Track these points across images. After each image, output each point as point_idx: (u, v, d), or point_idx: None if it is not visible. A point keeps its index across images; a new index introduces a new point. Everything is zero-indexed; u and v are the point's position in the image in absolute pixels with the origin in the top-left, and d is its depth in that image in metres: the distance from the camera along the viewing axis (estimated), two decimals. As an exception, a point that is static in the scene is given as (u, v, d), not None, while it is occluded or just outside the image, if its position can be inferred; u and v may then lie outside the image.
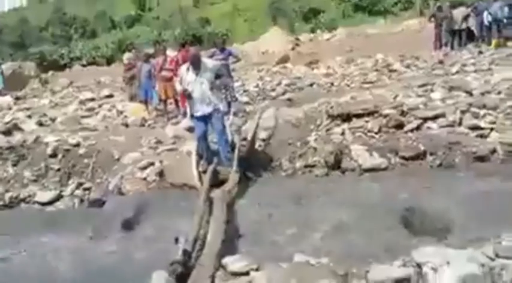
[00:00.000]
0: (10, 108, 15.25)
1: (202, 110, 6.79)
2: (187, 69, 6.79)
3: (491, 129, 7.09)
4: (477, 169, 6.36)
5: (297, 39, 24.71)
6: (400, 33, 21.23)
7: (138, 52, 14.02)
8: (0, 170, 8.33)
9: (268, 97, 12.13)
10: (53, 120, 12.01)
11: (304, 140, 7.69)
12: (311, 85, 13.11)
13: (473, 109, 7.52)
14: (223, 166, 6.78)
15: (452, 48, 15.27)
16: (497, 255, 3.43)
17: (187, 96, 6.87)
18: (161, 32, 34.71)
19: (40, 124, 11.49)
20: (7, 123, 10.92)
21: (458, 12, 15.51)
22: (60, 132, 9.63)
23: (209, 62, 7.08)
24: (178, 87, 7.07)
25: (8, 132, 9.87)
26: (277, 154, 7.53)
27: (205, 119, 6.82)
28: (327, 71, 14.94)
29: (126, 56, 14.26)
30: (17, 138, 9.19)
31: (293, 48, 22.39)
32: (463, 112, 7.47)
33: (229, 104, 8.86)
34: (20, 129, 10.46)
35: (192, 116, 7.02)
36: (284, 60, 19.61)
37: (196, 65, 6.71)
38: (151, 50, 14.67)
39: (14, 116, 12.57)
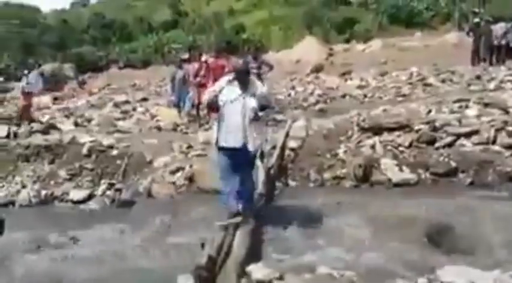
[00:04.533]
0: (49, 108, 15.81)
1: (229, 141, 5.05)
2: (229, 81, 5.15)
3: (527, 148, 6.94)
4: (510, 189, 6.23)
5: (331, 49, 24.62)
6: (437, 46, 20.85)
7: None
8: (38, 168, 8.63)
9: (299, 106, 12.15)
10: (89, 121, 12.37)
11: (333, 152, 7.69)
12: (344, 96, 13.08)
13: (508, 127, 7.37)
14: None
15: (490, 64, 14.95)
16: (525, 279, 3.37)
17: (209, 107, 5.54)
18: (196, 38, 35.20)
19: (76, 124, 11.85)
20: (45, 122, 11.32)
21: (498, 28, 15.20)
22: (95, 133, 9.91)
23: (260, 85, 5.25)
24: (206, 97, 5.35)
25: (45, 131, 10.24)
26: (305, 165, 7.54)
27: (232, 154, 5.09)
28: (360, 83, 14.84)
29: (23, 84, 12.18)
30: (54, 137, 9.51)
31: (327, 58, 22.34)
32: (498, 130, 7.33)
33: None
34: (57, 128, 10.82)
35: (216, 144, 5.23)
36: (317, 69, 19.61)
37: (243, 81, 5.09)
38: (185, 55, 14.89)
39: (52, 116, 13.02)
